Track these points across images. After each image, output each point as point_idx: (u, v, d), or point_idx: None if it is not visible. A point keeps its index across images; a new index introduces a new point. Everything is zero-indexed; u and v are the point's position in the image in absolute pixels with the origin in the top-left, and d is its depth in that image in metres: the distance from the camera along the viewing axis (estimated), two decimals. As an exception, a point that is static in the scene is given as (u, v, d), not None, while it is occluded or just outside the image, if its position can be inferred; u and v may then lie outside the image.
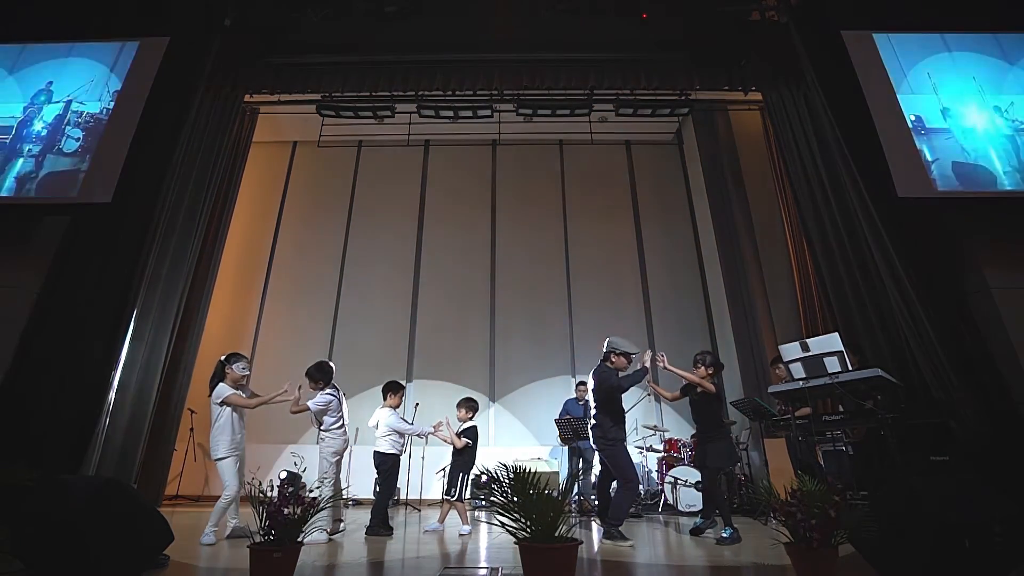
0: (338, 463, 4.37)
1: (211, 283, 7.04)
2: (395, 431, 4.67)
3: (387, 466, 4.60)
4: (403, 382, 5.09)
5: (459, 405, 5.00)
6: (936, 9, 6.36)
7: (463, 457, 4.75)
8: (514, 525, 2.32)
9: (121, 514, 2.65)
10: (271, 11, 7.22)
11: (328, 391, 4.42)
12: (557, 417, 6.56)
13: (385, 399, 4.86)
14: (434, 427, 4.81)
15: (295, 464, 4.09)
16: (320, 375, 4.47)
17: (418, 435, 5.09)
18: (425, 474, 7.01)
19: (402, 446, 4.80)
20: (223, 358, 4.25)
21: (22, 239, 5.52)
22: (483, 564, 3.34)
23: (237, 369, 4.16)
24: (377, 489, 4.96)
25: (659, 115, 7.83)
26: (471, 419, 4.92)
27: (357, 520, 5.13)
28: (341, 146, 9.22)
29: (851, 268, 5.73)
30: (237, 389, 4.15)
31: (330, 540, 3.93)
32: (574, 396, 6.71)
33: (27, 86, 6.08)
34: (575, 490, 6.04)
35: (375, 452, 4.71)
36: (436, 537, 4.30)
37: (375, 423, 4.80)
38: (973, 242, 5.38)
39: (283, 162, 9.55)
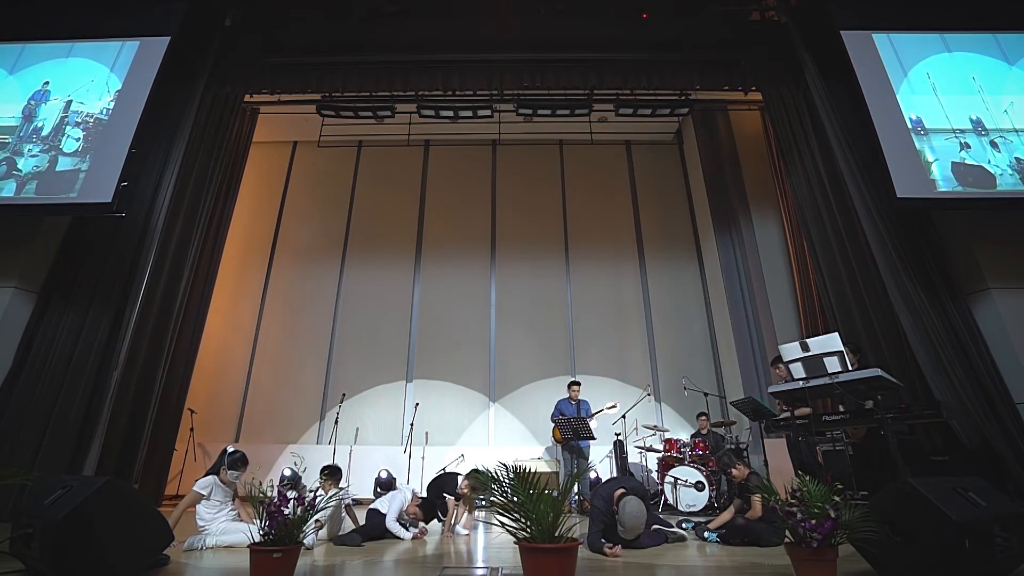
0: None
1: (211, 283, 7.04)
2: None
3: None
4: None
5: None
6: (936, 9, 6.36)
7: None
8: (514, 525, 2.32)
9: (120, 514, 2.65)
10: (271, 11, 7.22)
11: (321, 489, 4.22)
12: (552, 416, 6.56)
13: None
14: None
15: (295, 464, 4.08)
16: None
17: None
18: (425, 474, 7.01)
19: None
20: (230, 450, 3.98)
21: (22, 239, 5.52)
22: (483, 564, 3.34)
23: (230, 476, 3.90)
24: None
25: (659, 115, 7.84)
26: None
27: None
28: (341, 146, 9.22)
29: (851, 268, 5.73)
30: (226, 485, 3.89)
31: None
32: (566, 396, 6.71)
33: (27, 86, 6.08)
34: (575, 490, 6.04)
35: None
36: (436, 537, 4.29)
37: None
38: (972, 242, 5.39)
39: (283, 162, 9.54)
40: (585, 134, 8.54)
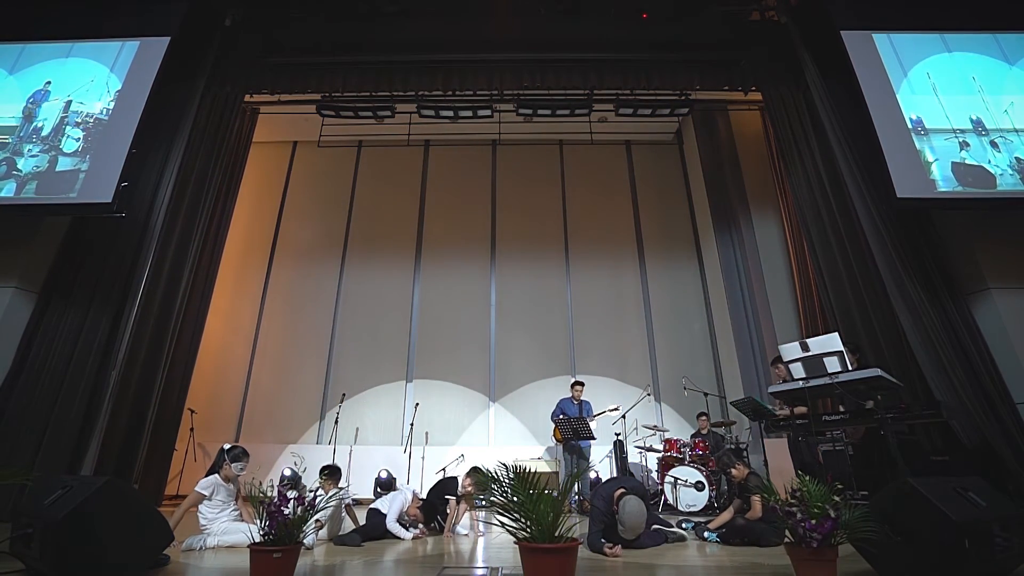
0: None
1: (211, 283, 7.04)
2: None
3: None
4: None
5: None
6: (936, 9, 6.37)
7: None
8: (514, 525, 2.32)
9: (120, 514, 2.65)
10: (271, 11, 7.22)
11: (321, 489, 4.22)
12: (553, 415, 6.57)
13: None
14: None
15: (295, 464, 4.07)
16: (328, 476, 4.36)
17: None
18: (425, 474, 7.01)
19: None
20: (227, 447, 3.96)
21: (22, 239, 5.52)
22: (483, 564, 3.34)
23: (235, 468, 3.89)
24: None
25: (659, 115, 7.84)
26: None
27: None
28: (341, 146, 9.23)
29: (851, 268, 5.73)
30: (228, 483, 3.87)
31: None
32: (569, 396, 6.71)
33: (27, 86, 6.08)
34: (575, 490, 6.04)
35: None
36: (437, 537, 4.30)
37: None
38: (973, 242, 5.39)
39: (283, 162, 9.55)
40: (585, 134, 8.54)
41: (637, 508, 3.48)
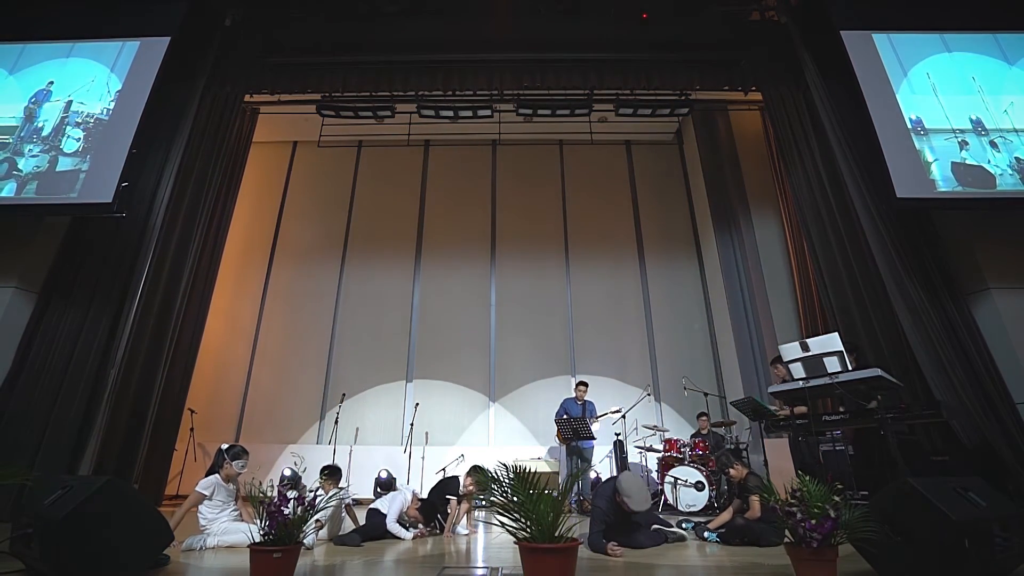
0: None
1: (211, 283, 7.04)
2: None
3: None
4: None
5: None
6: (936, 9, 6.37)
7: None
8: (514, 525, 2.32)
9: (120, 514, 2.65)
10: (271, 11, 7.23)
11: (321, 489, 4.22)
12: (556, 415, 6.57)
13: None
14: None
15: (295, 464, 4.06)
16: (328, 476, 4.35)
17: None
18: (425, 474, 7.01)
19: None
20: (225, 447, 3.95)
21: (22, 239, 5.53)
22: (483, 564, 3.34)
23: (236, 466, 3.88)
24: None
25: (659, 115, 7.84)
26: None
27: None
28: (341, 146, 9.22)
29: (851, 268, 5.73)
30: (228, 483, 3.86)
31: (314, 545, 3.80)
32: (573, 396, 6.71)
33: (27, 86, 6.08)
34: (575, 490, 6.04)
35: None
36: (437, 537, 4.30)
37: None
38: (973, 242, 5.39)
39: (283, 162, 9.55)
40: (585, 134, 8.54)
41: (634, 479, 3.58)
